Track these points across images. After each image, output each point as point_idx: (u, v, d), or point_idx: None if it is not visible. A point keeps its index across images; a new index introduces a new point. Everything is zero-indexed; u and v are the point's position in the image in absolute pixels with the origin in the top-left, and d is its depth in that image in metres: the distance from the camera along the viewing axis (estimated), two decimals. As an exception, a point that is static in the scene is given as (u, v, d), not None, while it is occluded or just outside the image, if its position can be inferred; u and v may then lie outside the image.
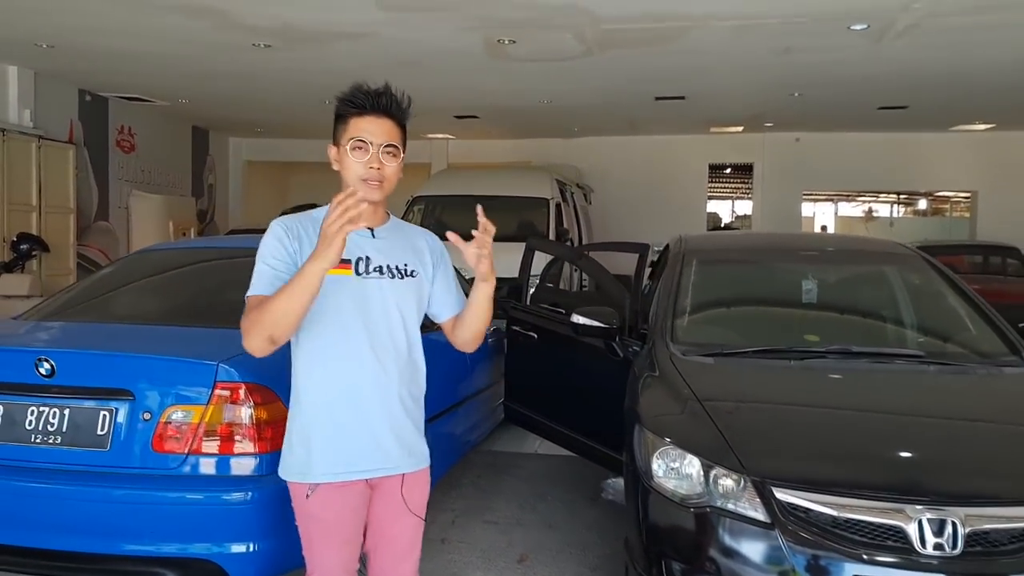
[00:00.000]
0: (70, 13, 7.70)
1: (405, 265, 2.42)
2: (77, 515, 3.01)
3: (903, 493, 2.67)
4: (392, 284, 2.38)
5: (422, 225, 3.90)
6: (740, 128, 15.38)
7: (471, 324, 2.50)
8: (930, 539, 2.55)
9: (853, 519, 2.64)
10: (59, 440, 3.08)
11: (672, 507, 2.92)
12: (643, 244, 5.36)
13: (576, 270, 10.71)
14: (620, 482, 4.87)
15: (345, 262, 2.27)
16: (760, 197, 16.85)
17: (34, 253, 10.19)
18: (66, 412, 3.10)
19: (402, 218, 2.65)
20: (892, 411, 3.30)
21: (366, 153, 2.30)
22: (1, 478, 3.08)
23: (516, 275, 5.79)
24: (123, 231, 13.19)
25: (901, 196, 28.27)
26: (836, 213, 30.76)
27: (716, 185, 24.31)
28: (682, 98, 11.88)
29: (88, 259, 12.01)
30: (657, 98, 11.90)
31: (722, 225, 25.59)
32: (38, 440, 3.09)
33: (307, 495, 2.37)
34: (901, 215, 30.42)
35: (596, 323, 4.27)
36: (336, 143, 2.37)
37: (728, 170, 22.40)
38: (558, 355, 4.96)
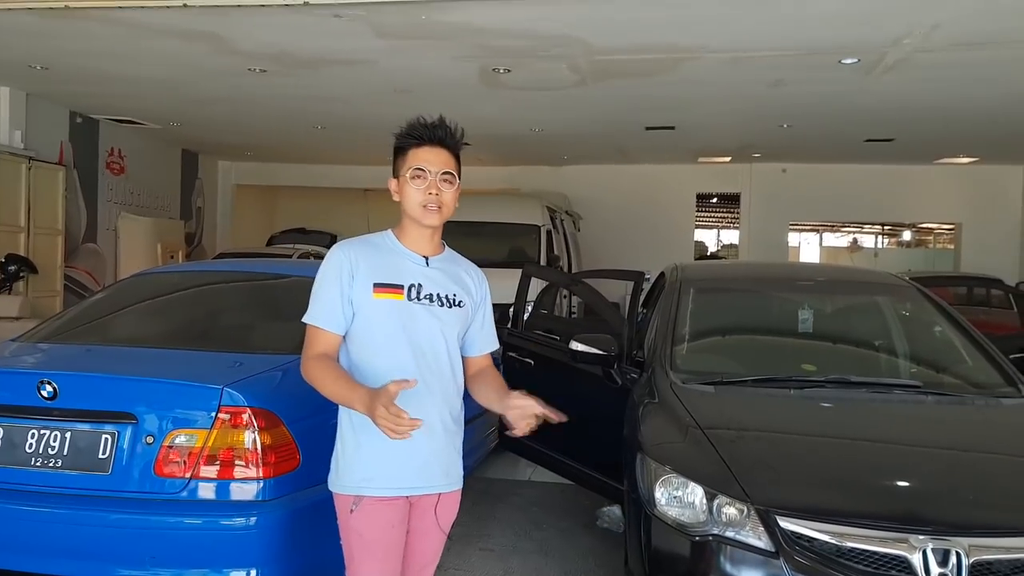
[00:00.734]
0: (68, 37, 7.70)
1: (454, 295, 2.53)
2: (82, 539, 2.98)
3: (908, 523, 2.69)
4: (440, 312, 2.48)
5: None
6: (728, 158, 15.53)
7: (475, 392, 2.62)
8: (934, 569, 2.57)
9: (857, 548, 2.66)
10: (60, 464, 3.05)
11: (675, 535, 2.93)
12: (638, 272, 5.39)
13: (566, 297, 10.74)
14: (615, 510, 4.87)
15: (397, 287, 2.43)
16: (747, 227, 16.98)
17: (22, 274, 10.12)
18: (67, 435, 3.07)
19: None
20: (894, 441, 3.33)
21: (425, 181, 2.43)
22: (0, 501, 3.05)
23: (509, 301, 5.80)
24: (111, 253, 13.13)
25: (885, 227, 28.54)
26: (821, 243, 30.98)
27: (702, 214, 24.48)
28: (672, 128, 11.98)
29: (75, 281, 11.94)
30: (647, 128, 12.00)
31: (708, 254, 25.74)
32: (38, 463, 3.06)
33: (351, 509, 2.41)
34: (885, 246, 30.67)
35: (595, 350, 4.28)
36: (396, 175, 2.51)
37: (714, 199, 22.58)
38: (555, 382, 4.95)
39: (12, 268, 9.91)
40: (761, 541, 2.75)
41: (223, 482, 3.01)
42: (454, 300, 2.52)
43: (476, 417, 5.25)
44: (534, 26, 7.03)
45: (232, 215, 17.93)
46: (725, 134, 12.71)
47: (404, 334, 2.42)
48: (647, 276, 5.81)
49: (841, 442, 3.33)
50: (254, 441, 3.02)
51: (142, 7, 6.58)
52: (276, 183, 18.42)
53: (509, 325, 5.69)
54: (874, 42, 7.30)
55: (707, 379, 3.85)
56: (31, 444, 3.08)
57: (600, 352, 4.26)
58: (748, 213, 16.88)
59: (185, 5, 6.36)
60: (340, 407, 2.46)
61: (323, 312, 2.41)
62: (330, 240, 15.34)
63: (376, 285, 2.41)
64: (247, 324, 4.17)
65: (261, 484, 3.01)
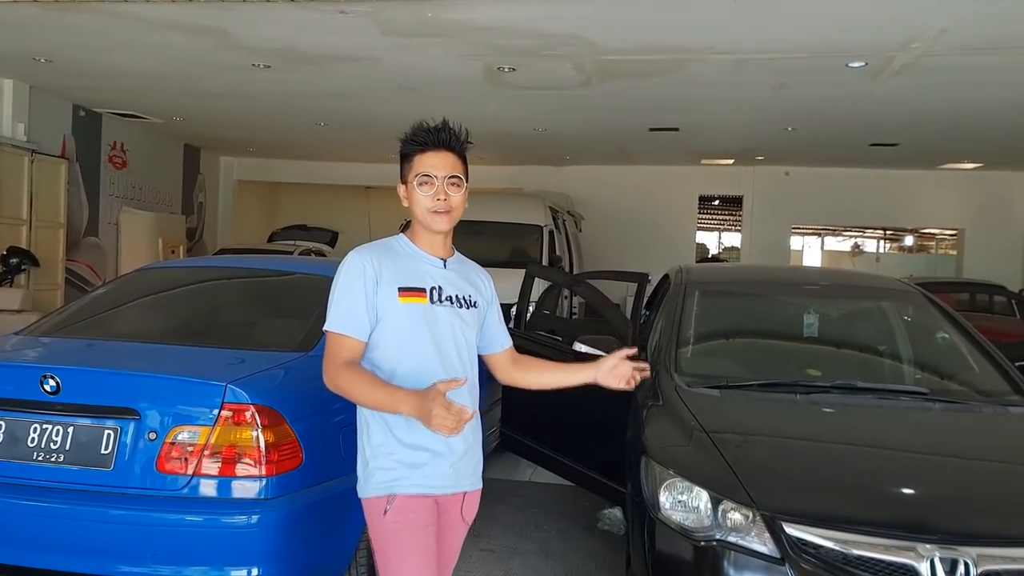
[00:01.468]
0: (72, 30, 7.68)
1: (469, 296, 2.55)
2: (82, 535, 2.95)
3: (915, 531, 2.67)
4: (460, 313, 2.50)
5: None
6: (731, 160, 15.50)
7: (539, 381, 2.77)
8: (942, 578, 2.55)
9: (864, 556, 2.63)
10: (62, 459, 3.03)
11: (679, 540, 2.91)
12: (642, 273, 5.37)
13: (567, 297, 10.72)
14: (616, 512, 4.85)
15: (420, 291, 2.44)
16: (749, 229, 16.95)
17: (24, 267, 10.10)
18: (70, 430, 3.05)
19: None
20: (902, 448, 3.30)
21: (432, 186, 2.44)
22: (0, 496, 3.02)
23: (513, 301, 5.78)
24: (112, 247, 13.11)
25: (887, 232, 28.49)
26: (822, 247, 30.95)
27: (704, 216, 24.42)
28: (676, 129, 11.96)
29: (76, 275, 11.93)
30: (651, 129, 11.97)
31: (710, 256, 25.70)
32: (40, 458, 3.04)
33: (384, 511, 2.40)
34: (887, 251, 30.63)
35: (599, 352, 4.25)
36: (404, 181, 2.51)
37: (716, 202, 22.53)
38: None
39: (14, 261, 9.90)
40: (766, 547, 2.73)
41: (225, 479, 2.99)
42: (470, 301, 2.55)
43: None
44: (540, 25, 7.01)
45: (233, 211, 17.90)
46: (729, 136, 12.69)
47: (430, 337, 2.42)
48: (650, 278, 5.80)
49: (848, 448, 3.30)
50: (257, 439, 2.99)
51: (147, 0, 6.56)
52: (278, 179, 18.39)
53: (511, 325, 5.67)
54: (882, 46, 7.28)
55: (712, 383, 3.82)
56: (33, 438, 3.06)
57: (604, 354, 4.23)
58: (750, 216, 16.86)
59: (190, -1, 6.36)
60: (360, 411, 2.45)
61: (348, 319, 2.38)
62: (331, 237, 15.32)
63: (401, 289, 2.40)
64: (251, 320, 4.15)
65: (263, 482, 2.98)
